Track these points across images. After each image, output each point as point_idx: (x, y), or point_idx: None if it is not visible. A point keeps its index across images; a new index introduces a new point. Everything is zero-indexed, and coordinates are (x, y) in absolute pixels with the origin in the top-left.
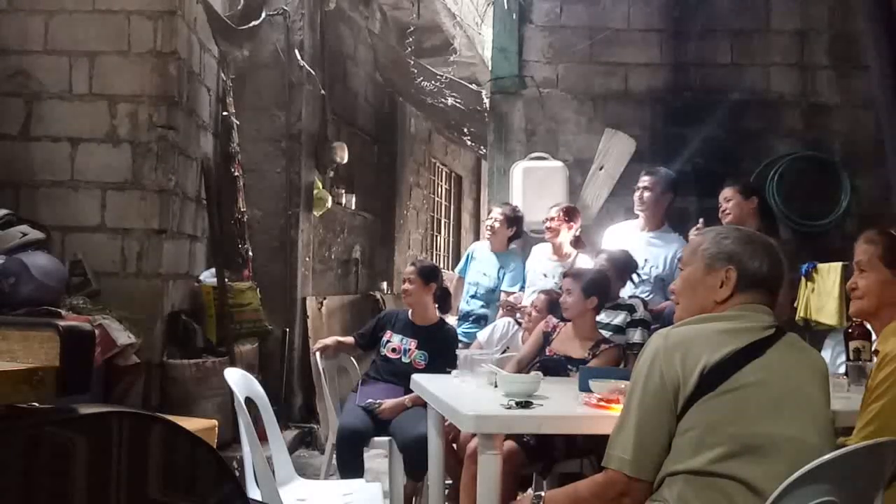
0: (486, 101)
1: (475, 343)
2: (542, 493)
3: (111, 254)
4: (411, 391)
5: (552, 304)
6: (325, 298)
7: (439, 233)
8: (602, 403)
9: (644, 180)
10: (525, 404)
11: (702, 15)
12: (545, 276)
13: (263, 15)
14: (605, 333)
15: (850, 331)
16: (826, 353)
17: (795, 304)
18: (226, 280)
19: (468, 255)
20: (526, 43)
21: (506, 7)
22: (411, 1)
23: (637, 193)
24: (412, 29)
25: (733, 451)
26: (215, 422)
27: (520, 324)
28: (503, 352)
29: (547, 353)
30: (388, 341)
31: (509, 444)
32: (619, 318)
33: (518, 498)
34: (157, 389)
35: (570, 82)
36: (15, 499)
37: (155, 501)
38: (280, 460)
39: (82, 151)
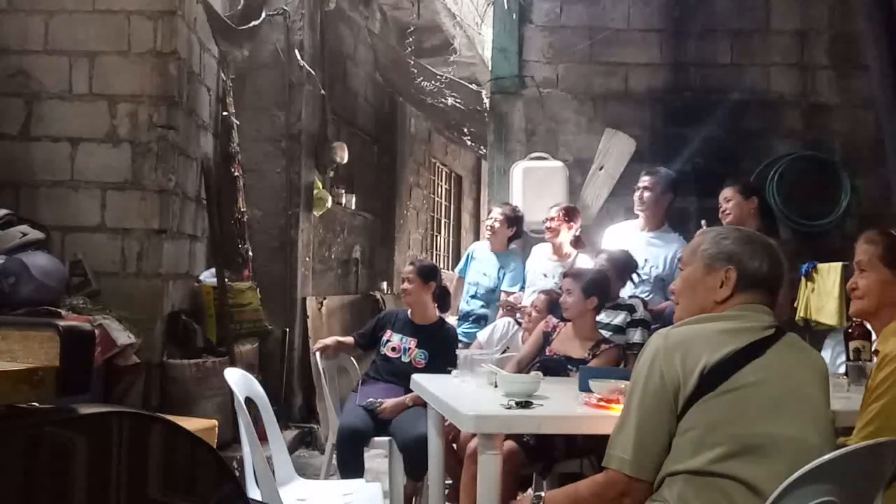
0: (486, 101)
1: (475, 343)
2: (542, 493)
3: (111, 254)
4: (411, 391)
5: (552, 304)
6: (325, 298)
7: (439, 233)
8: (602, 403)
9: (644, 180)
10: (525, 404)
11: (702, 15)
12: (545, 276)
13: (263, 15)
14: (605, 333)
15: (850, 331)
16: (826, 353)
17: (795, 304)
18: (226, 280)
19: (468, 255)
20: (526, 43)
21: (506, 7)
22: (411, 1)
23: (637, 193)
24: (412, 29)
25: (733, 451)
26: (215, 422)
27: (520, 324)
28: (503, 352)
29: (547, 353)
30: (387, 341)
31: (509, 444)
32: (619, 318)
33: (518, 498)
34: (157, 389)
35: (570, 82)
36: (15, 499)
37: (155, 501)
38: (280, 460)
39: (82, 151)
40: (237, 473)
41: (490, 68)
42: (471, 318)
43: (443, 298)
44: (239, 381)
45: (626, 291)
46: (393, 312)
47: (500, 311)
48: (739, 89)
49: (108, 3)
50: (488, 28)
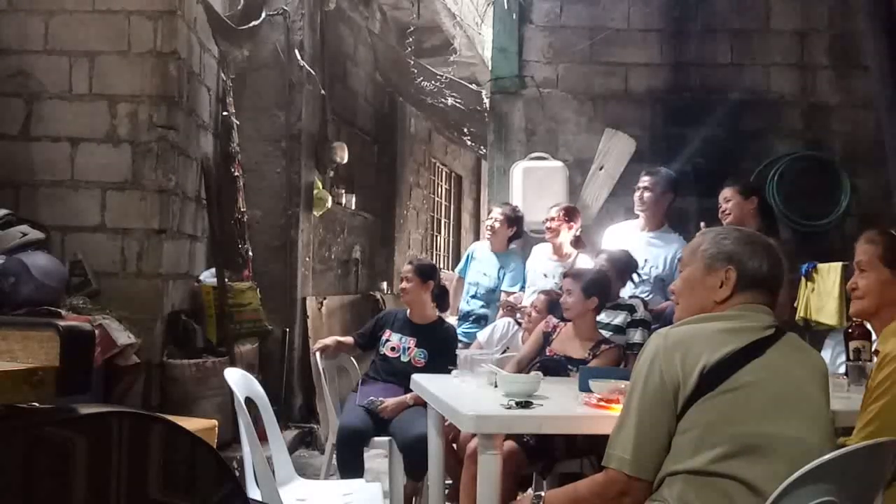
0: (486, 101)
1: (475, 343)
2: (542, 493)
3: (111, 254)
4: (411, 390)
5: (552, 304)
6: (325, 298)
7: (439, 233)
8: (602, 403)
9: (644, 180)
10: (525, 404)
11: (702, 15)
12: (545, 276)
13: (263, 15)
14: (606, 333)
15: (850, 331)
16: (826, 353)
17: (795, 304)
18: (226, 280)
19: (468, 256)
20: (526, 43)
21: (506, 7)
22: (411, 1)
23: (637, 193)
24: (412, 29)
25: (733, 451)
26: (215, 422)
27: (520, 324)
28: (503, 352)
29: (547, 354)
30: (386, 340)
31: (509, 444)
32: (620, 319)
33: (518, 498)
34: (157, 389)
35: (570, 82)
36: (15, 499)
37: (155, 501)
38: (280, 460)
39: (82, 151)
40: (237, 473)
41: (490, 68)
42: (471, 318)
43: (441, 298)
44: (239, 381)
45: (627, 291)
46: (392, 312)
47: (500, 311)
48: (739, 89)
49: (108, 3)
50: (488, 28)
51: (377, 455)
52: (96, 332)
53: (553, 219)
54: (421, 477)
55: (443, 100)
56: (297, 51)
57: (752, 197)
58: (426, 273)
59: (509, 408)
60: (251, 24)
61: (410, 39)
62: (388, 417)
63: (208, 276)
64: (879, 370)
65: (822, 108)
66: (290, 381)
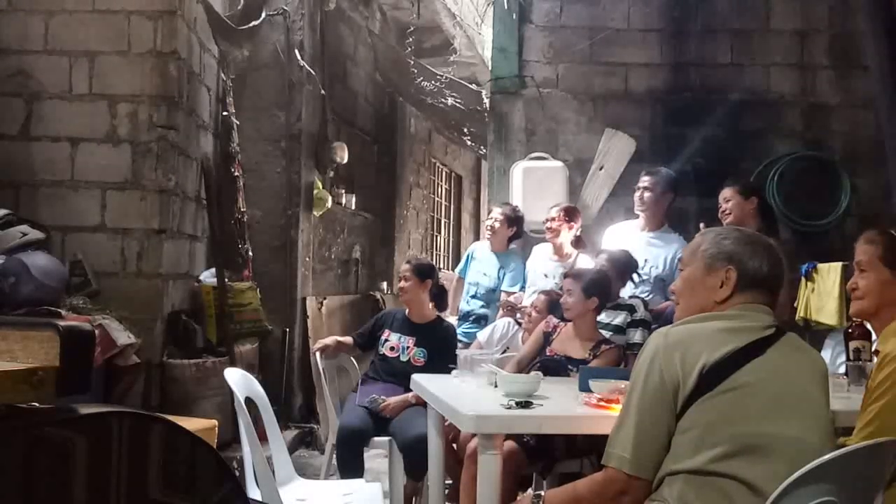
0: (486, 101)
1: (475, 343)
2: (542, 493)
3: (111, 254)
4: (411, 390)
5: (552, 304)
6: (325, 298)
7: (439, 233)
8: (602, 403)
9: (644, 180)
10: (525, 404)
11: (702, 15)
12: (546, 276)
13: (263, 15)
14: (606, 334)
15: (850, 331)
16: (826, 353)
17: (795, 304)
18: (226, 280)
19: (468, 256)
20: (526, 43)
21: (506, 7)
22: (411, 1)
23: (637, 193)
24: (412, 29)
25: (733, 451)
26: (215, 422)
27: (520, 324)
28: (503, 352)
29: (547, 354)
30: (386, 340)
31: (509, 444)
32: (620, 319)
33: (518, 498)
34: (157, 389)
35: (570, 82)
36: (15, 499)
37: (155, 501)
38: (280, 460)
39: (82, 151)
40: (237, 473)
41: (490, 68)
42: (471, 318)
43: (440, 297)
44: (239, 381)
45: (627, 291)
46: (391, 312)
47: (500, 311)
48: (739, 89)
49: (108, 3)
50: (488, 28)
51: (377, 455)
52: (96, 332)
53: (553, 219)
54: (421, 477)
55: (443, 100)
56: (297, 51)
57: (752, 197)
58: (424, 272)
59: (509, 408)
60: (251, 24)
61: (410, 39)
62: (389, 416)
63: (208, 276)
64: (879, 370)
65: (822, 108)
66: (290, 381)
